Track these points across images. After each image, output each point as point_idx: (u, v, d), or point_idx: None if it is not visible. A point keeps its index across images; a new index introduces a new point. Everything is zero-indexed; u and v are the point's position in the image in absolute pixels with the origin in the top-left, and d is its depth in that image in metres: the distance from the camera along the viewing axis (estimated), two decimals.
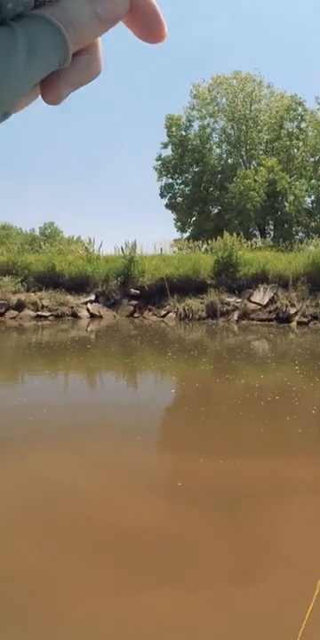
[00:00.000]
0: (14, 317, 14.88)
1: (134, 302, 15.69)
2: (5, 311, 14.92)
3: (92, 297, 15.84)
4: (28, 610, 2.32)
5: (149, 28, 0.33)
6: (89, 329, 14.11)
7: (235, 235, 16.78)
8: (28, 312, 15.02)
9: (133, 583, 2.55)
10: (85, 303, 15.63)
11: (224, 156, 25.38)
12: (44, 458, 4.29)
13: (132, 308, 15.59)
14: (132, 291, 15.69)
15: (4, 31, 0.28)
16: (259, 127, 24.55)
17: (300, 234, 23.11)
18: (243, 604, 2.37)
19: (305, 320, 14.13)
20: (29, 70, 0.29)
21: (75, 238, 29.27)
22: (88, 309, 15.46)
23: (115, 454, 4.42)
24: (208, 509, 3.36)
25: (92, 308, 15.52)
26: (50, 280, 15.99)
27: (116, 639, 2.16)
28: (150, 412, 6.13)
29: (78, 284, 16.00)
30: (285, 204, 22.30)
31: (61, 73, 0.31)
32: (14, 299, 15.20)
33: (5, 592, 2.47)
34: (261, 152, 24.49)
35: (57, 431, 5.07)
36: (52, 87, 0.31)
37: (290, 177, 22.77)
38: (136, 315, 15.54)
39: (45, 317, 14.86)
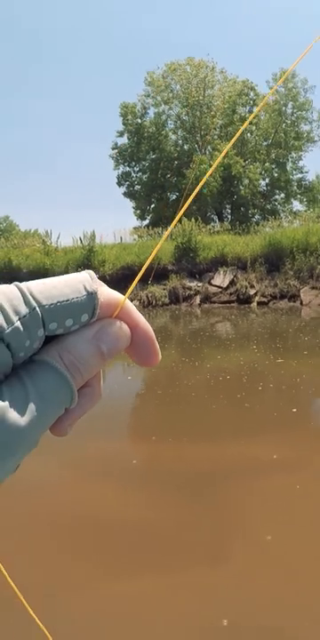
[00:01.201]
0: None
1: None
2: None
3: None
4: None
5: (146, 355, 0.35)
6: None
7: (193, 220, 16.89)
8: None
9: (102, 573, 2.54)
10: None
11: (180, 142, 25.43)
12: None
13: None
14: None
15: (16, 384, 0.29)
16: (212, 112, 24.72)
17: (256, 216, 23.55)
18: (211, 585, 2.40)
19: (264, 300, 14.47)
20: (42, 422, 0.29)
21: (31, 231, 28.60)
22: None
23: (77, 443, 4.37)
24: (174, 492, 3.39)
25: None
26: (7, 275, 15.60)
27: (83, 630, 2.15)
28: (115, 400, 6.07)
29: (37, 278, 15.40)
30: (241, 187, 22.65)
31: (66, 412, 0.32)
32: None
33: None
34: (216, 137, 24.69)
35: None
36: (57, 425, 0.32)
37: (244, 161, 23.10)
38: None
39: None
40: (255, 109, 23.94)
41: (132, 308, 0.34)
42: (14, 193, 64.36)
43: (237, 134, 0.42)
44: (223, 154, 0.39)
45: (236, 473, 3.62)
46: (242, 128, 0.43)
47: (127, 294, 0.35)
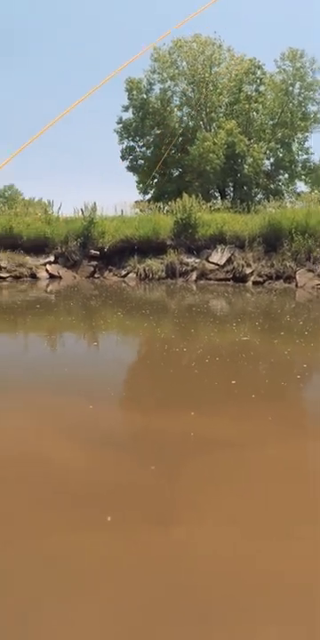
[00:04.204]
0: None
1: (94, 263, 15.73)
2: None
3: (51, 258, 15.74)
4: None
5: None
6: (48, 289, 14.12)
7: (193, 196, 16.94)
8: None
9: (60, 524, 2.71)
10: (44, 264, 15.54)
11: (184, 118, 25.23)
12: None
13: (92, 269, 15.64)
14: (92, 251, 15.69)
15: None
16: (218, 90, 24.47)
17: (258, 196, 23.51)
18: (153, 547, 2.57)
19: (260, 280, 14.64)
20: None
21: (35, 200, 28.57)
22: (47, 270, 15.39)
23: (68, 408, 4.56)
24: (139, 457, 3.53)
25: (52, 269, 15.46)
26: (8, 242, 15.74)
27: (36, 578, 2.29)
28: (108, 369, 6.25)
29: (37, 246, 15.83)
30: (244, 166, 22.55)
31: None
32: None
33: None
34: (221, 115, 24.49)
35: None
36: None
37: (249, 140, 22.97)
38: (96, 275, 15.62)
39: (3, 278, 14.71)
40: (262, 88, 23.81)
41: None
42: (20, 162, 63.84)
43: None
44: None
45: (207, 448, 3.71)
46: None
47: None
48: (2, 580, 2.26)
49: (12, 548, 2.51)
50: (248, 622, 2.07)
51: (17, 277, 14.92)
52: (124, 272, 15.41)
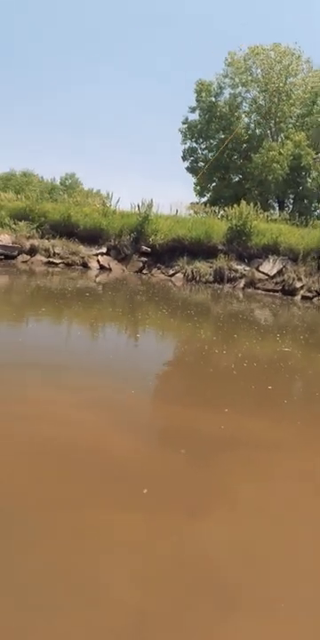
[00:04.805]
0: (26, 261, 15.25)
1: (144, 259, 15.90)
2: (18, 254, 15.29)
3: (104, 249, 16.07)
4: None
5: None
6: (97, 280, 14.44)
7: (251, 204, 16.71)
8: (40, 257, 15.37)
9: (95, 502, 2.81)
10: (96, 255, 15.89)
11: (252, 125, 24.97)
12: (38, 392, 4.49)
13: (141, 265, 15.82)
14: (144, 247, 15.87)
15: None
16: (291, 101, 23.98)
17: (318, 211, 22.82)
18: (184, 534, 2.62)
19: (309, 295, 14.20)
20: None
21: (94, 191, 29.30)
22: (98, 261, 15.73)
23: (112, 397, 4.66)
24: (178, 451, 3.59)
25: (103, 260, 15.79)
26: (64, 229, 16.22)
27: (68, 549, 2.38)
28: (149, 362, 6.40)
29: (92, 236, 16.20)
30: (308, 179, 21.96)
31: None
32: (28, 244, 15.53)
33: None
34: (291, 126, 23.98)
35: (50, 369, 5.30)
36: None
37: (316, 153, 22.32)
38: (145, 271, 15.78)
39: (56, 264, 15.20)
40: None
41: None
42: (83, 152, 65.95)
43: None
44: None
45: (242, 445, 3.80)
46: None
47: None
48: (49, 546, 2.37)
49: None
50: (270, 611, 2.11)
51: (68, 265, 15.36)
52: (171, 271, 15.47)
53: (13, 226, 15.85)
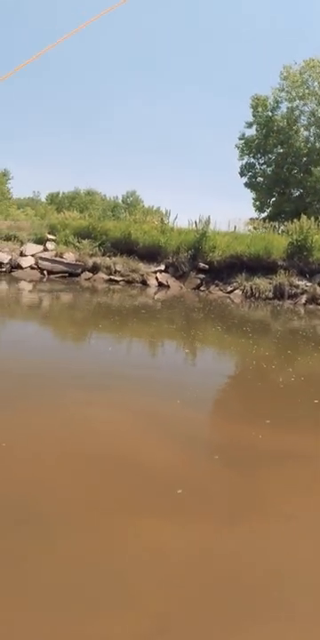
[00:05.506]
0: (88, 279, 15.85)
1: (202, 276, 15.98)
2: (81, 272, 15.94)
3: (162, 267, 16.35)
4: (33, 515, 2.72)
5: None
6: (156, 297, 14.69)
7: (312, 219, 16.34)
8: (102, 275, 15.91)
9: (132, 508, 2.90)
10: (155, 272, 16.20)
11: (311, 139, 24.48)
12: (82, 402, 4.68)
13: (198, 282, 15.91)
14: (201, 264, 15.97)
15: None
16: None
17: None
18: (216, 541, 2.66)
19: None
20: None
21: (154, 208, 29.92)
22: (157, 278, 16.02)
23: (156, 408, 4.81)
24: (219, 461, 3.65)
25: (161, 277, 16.06)
26: (125, 247, 16.69)
27: (102, 554, 2.45)
28: (198, 375, 6.55)
29: (150, 253, 16.54)
30: None
31: None
32: (90, 261, 16.15)
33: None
34: None
35: (100, 382, 5.54)
36: None
37: None
38: (202, 288, 15.85)
39: (117, 282, 15.66)
40: None
41: None
42: (144, 170, 67.73)
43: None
44: None
45: (287, 458, 3.78)
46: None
47: None
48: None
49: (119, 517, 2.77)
50: (294, 623, 2.11)
51: (129, 282, 15.77)
52: (229, 288, 15.42)
53: (77, 244, 16.57)
